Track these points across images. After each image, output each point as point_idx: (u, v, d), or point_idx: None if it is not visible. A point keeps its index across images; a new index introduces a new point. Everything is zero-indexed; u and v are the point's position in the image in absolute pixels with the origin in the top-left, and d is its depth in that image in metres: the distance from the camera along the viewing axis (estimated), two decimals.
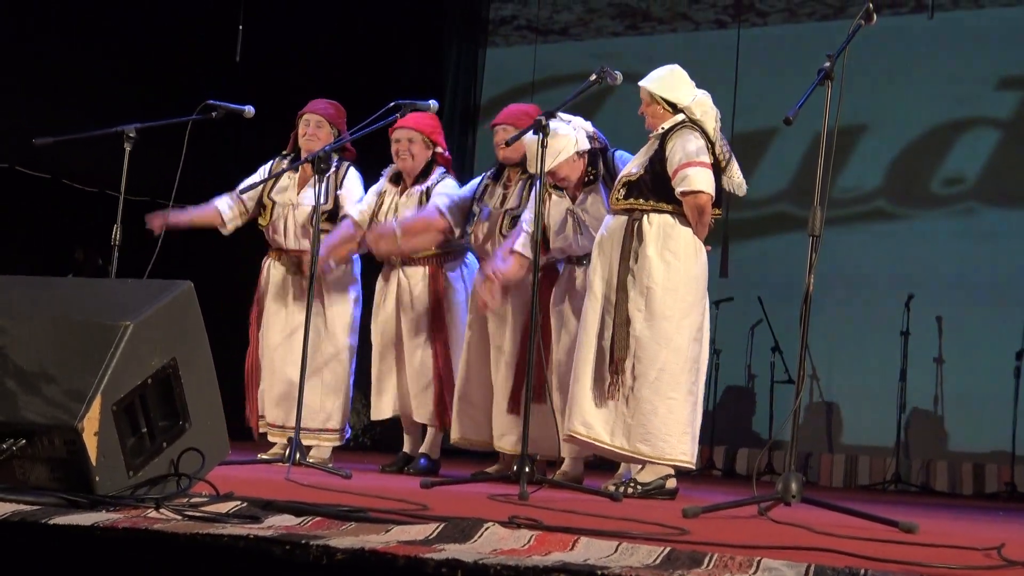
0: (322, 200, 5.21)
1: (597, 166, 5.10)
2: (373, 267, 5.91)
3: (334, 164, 5.65)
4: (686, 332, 4.60)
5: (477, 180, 5.71)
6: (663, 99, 4.73)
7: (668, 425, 4.54)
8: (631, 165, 4.80)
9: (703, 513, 3.50)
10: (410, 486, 4.31)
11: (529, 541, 2.40)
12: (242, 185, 5.66)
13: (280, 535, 2.32)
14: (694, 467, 4.71)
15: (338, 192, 5.68)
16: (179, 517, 2.53)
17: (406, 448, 5.86)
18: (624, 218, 4.69)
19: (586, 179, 5.09)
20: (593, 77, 4.54)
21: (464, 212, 5.61)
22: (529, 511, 3.13)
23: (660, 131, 4.71)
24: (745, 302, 8.72)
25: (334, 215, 5.67)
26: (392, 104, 5.09)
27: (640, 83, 4.78)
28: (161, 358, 2.93)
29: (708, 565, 2.22)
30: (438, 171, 5.74)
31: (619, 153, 5.12)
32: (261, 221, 5.80)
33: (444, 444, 5.79)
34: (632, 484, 4.57)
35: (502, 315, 5.35)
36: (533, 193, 4.53)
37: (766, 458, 8.54)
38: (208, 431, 3.07)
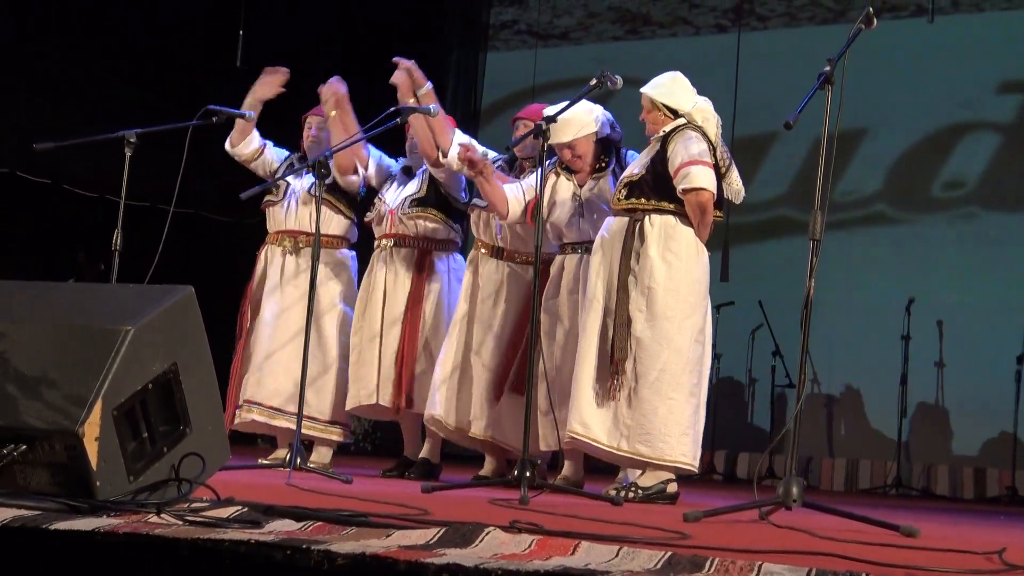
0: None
1: (611, 155, 5.13)
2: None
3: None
4: (688, 333, 4.60)
5: (493, 155, 5.65)
6: (664, 105, 4.74)
7: (668, 426, 4.54)
8: (633, 166, 4.82)
9: (704, 517, 3.50)
10: (411, 491, 4.31)
11: (530, 546, 2.40)
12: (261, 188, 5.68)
13: (281, 540, 2.32)
14: (696, 470, 4.70)
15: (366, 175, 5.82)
16: (180, 522, 2.53)
17: (406, 453, 5.86)
18: (625, 219, 4.69)
19: (598, 166, 5.10)
20: (593, 82, 4.55)
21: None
22: (530, 515, 3.12)
23: (662, 133, 4.72)
24: (746, 306, 8.71)
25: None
26: (392, 109, 5.09)
27: (642, 89, 4.79)
28: (162, 363, 2.93)
29: (709, 569, 2.22)
30: None
31: (631, 152, 5.14)
32: (272, 198, 5.84)
33: (444, 448, 5.78)
34: (633, 488, 4.57)
35: (496, 299, 5.36)
36: (539, 171, 4.50)
37: (767, 462, 8.54)
38: (209, 436, 3.06)
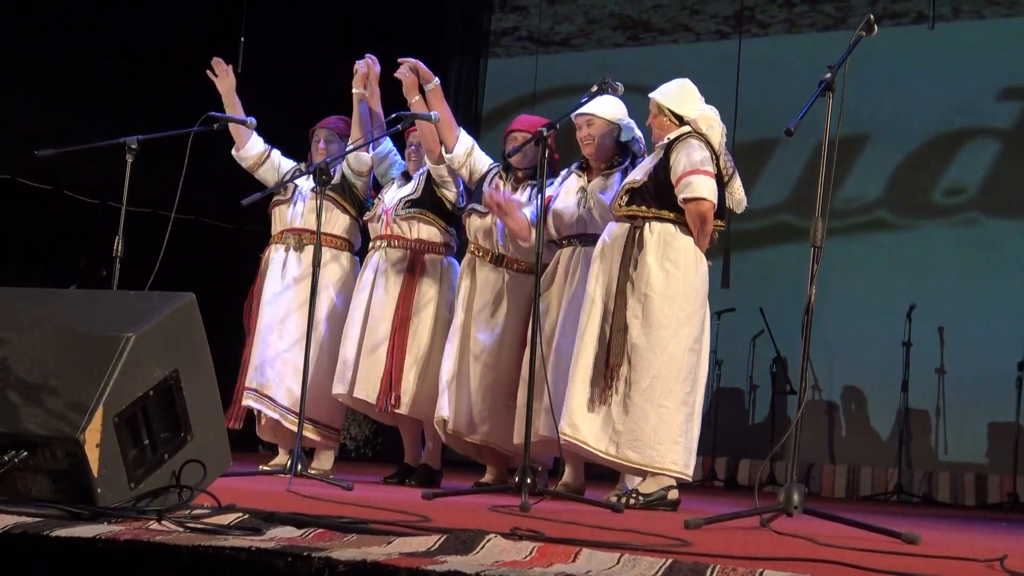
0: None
1: (625, 157, 5.14)
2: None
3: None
4: (683, 342, 4.60)
5: (489, 161, 5.65)
6: (670, 111, 4.75)
7: (659, 433, 4.54)
8: (635, 172, 4.83)
9: (705, 524, 3.50)
10: (412, 497, 4.31)
11: (531, 553, 2.40)
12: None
13: (282, 547, 2.32)
14: (689, 478, 4.69)
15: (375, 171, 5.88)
16: (181, 529, 2.53)
17: (407, 459, 5.85)
18: (626, 225, 4.70)
19: (610, 163, 5.12)
20: (595, 88, 4.56)
21: (477, 172, 5.57)
22: (531, 523, 3.13)
23: (666, 141, 4.73)
24: (747, 313, 8.71)
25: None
26: (393, 116, 5.10)
27: (651, 94, 4.81)
28: (163, 370, 2.93)
29: None
30: None
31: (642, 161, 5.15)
32: (280, 198, 5.86)
33: (445, 455, 5.78)
34: (634, 495, 4.57)
35: (496, 306, 5.36)
36: (540, 178, 4.51)
37: (768, 469, 8.53)
38: (210, 443, 3.06)
